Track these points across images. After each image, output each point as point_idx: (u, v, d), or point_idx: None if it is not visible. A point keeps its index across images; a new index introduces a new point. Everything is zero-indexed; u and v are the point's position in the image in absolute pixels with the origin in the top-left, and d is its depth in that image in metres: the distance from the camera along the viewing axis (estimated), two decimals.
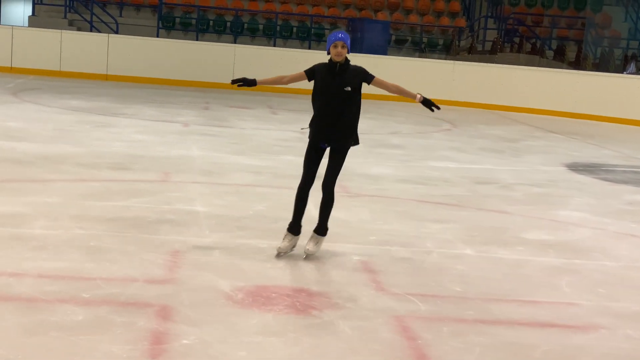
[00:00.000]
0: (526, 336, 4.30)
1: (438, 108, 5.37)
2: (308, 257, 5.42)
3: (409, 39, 24.11)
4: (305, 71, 5.37)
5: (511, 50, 23.11)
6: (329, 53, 5.27)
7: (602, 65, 21.69)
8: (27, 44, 18.95)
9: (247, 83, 5.43)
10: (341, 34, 5.27)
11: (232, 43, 21.33)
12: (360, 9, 24.37)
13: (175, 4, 23.07)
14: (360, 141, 5.49)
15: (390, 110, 16.88)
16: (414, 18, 24.51)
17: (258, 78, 5.49)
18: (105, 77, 19.06)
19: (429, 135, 13.73)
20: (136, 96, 16.04)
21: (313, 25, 23.40)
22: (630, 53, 22.27)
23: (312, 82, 5.41)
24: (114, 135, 10.43)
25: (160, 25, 22.35)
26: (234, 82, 5.48)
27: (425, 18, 24.60)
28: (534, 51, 23.07)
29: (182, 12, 23.27)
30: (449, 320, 4.44)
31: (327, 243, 5.58)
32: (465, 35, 24.43)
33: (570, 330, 4.47)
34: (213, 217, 6.35)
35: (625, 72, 20.48)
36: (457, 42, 23.48)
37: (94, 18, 21.34)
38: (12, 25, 20.25)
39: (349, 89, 5.25)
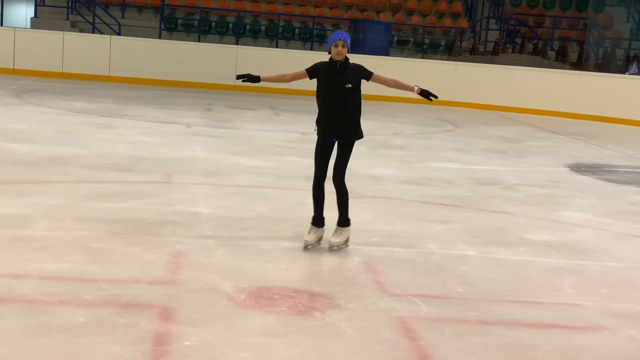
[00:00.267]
0: (528, 337, 4.29)
1: (436, 97, 5.63)
2: (331, 249, 5.61)
3: (411, 40, 24.10)
4: (307, 69, 5.63)
5: (513, 51, 23.11)
6: (329, 52, 5.51)
7: (604, 65, 21.67)
8: (29, 46, 18.95)
9: (251, 79, 5.63)
10: (341, 34, 5.50)
11: (234, 44, 21.34)
12: (363, 10, 24.36)
13: (177, 5, 23.09)
14: (362, 141, 5.55)
15: (392, 111, 16.86)
16: (416, 19, 24.51)
17: (262, 75, 5.67)
18: (108, 79, 19.07)
19: (432, 136, 13.72)
20: (139, 97, 16.05)
21: (315, 27, 23.39)
22: (632, 53, 22.24)
23: (314, 81, 5.64)
24: (116, 137, 10.43)
25: (163, 27, 22.36)
26: (238, 77, 5.66)
27: (428, 19, 24.59)
28: (536, 52, 23.05)
29: (185, 13, 23.29)
30: (451, 321, 4.44)
31: (327, 243, 5.62)
32: (467, 36, 24.42)
33: (573, 331, 4.46)
34: (215, 218, 6.35)
35: (627, 73, 20.47)
36: (459, 43, 23.47)
37: (96, 19, 21.35)
38: (15, 27, 20.25)
39: (350, 85, 5.49)
